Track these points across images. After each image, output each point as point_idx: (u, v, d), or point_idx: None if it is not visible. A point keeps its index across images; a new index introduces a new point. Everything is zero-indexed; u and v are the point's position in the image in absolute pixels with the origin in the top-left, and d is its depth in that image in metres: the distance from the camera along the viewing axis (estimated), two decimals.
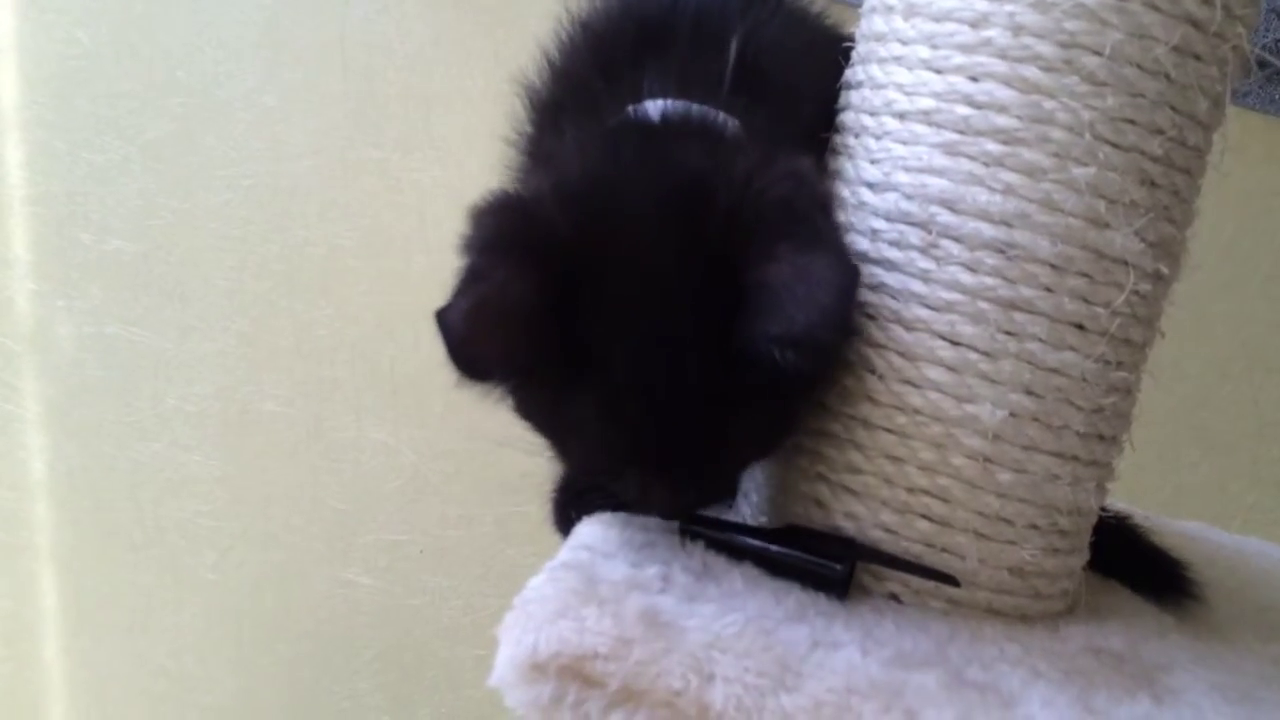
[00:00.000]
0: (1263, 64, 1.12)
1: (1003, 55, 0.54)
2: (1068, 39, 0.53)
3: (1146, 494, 0.97)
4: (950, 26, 0.55)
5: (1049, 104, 0.53)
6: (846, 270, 0.49)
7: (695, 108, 0.57)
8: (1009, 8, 0.53)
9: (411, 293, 1.35)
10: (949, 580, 0.55)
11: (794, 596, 0.54)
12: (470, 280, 0.50)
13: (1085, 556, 0.63)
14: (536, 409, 0.58)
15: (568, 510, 0.68)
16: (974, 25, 0.54)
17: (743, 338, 0.49)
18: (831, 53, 0.63)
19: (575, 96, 0.63)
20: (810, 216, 0.51)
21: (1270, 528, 0.97)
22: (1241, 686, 0.57)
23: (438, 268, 1.42)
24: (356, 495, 1.40)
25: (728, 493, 0.67)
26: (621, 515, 0.60)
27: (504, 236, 0.52)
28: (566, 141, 0.58)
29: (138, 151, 1.33)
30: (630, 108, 0.58)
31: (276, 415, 1.39)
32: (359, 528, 1.41)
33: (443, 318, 0.49)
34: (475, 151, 1.28)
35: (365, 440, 1.39)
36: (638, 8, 0.65)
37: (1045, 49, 0.53)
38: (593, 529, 0.59)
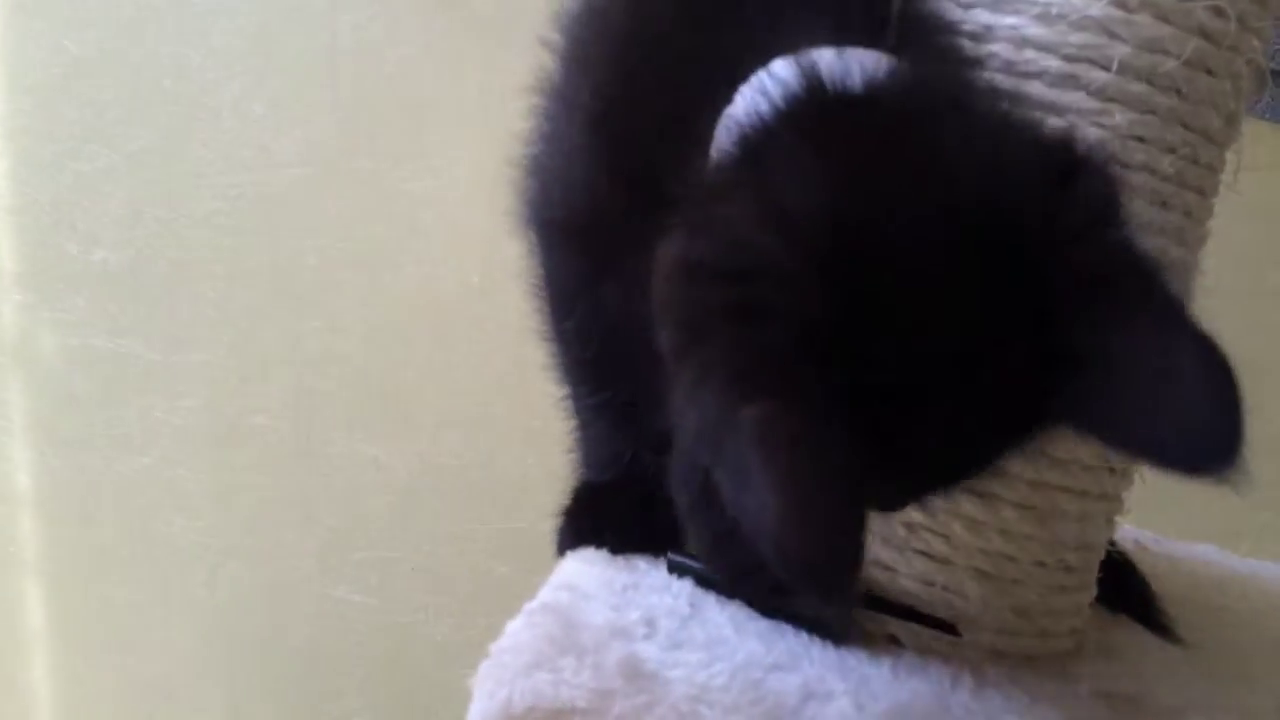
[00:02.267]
0: (1276, 74, 1.09)
1: (1007, 70, 0.51)
2: (1074, 53, 0.50)
3: (1155, 514, 0.94)
4: None
5: (1055, 122, 0.51)
6: (1223, 356, 0.38)
7: (899, 65, 0.44)
8: (1012, 20, 0.51)
9: (403, 305, 1.32)
10: (948, 629, 0.52)
11: (785, 641, 0.51)
12: (758, 452, 0.34)
13: (1093, 593, 0.60)
14: None
15: (582, 528, 0.62)
16: (977, 39, 0.52)
17: (1110, 433, 0.40)
18: None
19: (654, 59, 0.49)
20: (1156, 268, 0.40)
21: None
22: None
23: (429, 278, 1.39)
24: (347, 511, 1.37)
25: None
26: (605, 553, 0.58)
27: (764, 362, 0.36)
28: (761, 132, 0.42)
29: (124, 160, 1.31)
30: (812, 70, 0.43)
31: (266, 429, 1.36)
32: (350, 544, 1.38)
33: (760, 526, 0.34)
34: (467, 161, 1.26)
35: (356, 455, 1.36)
36: None
37: (1051, 63, 0.50)
38: (575, 566, 0.56)
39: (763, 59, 0.44)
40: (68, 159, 1.31)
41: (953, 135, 0.41)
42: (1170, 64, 0.50)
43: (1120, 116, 0.51)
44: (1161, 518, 0.94)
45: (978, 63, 0.50)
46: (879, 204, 0.39)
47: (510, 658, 0.45)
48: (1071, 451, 0.54)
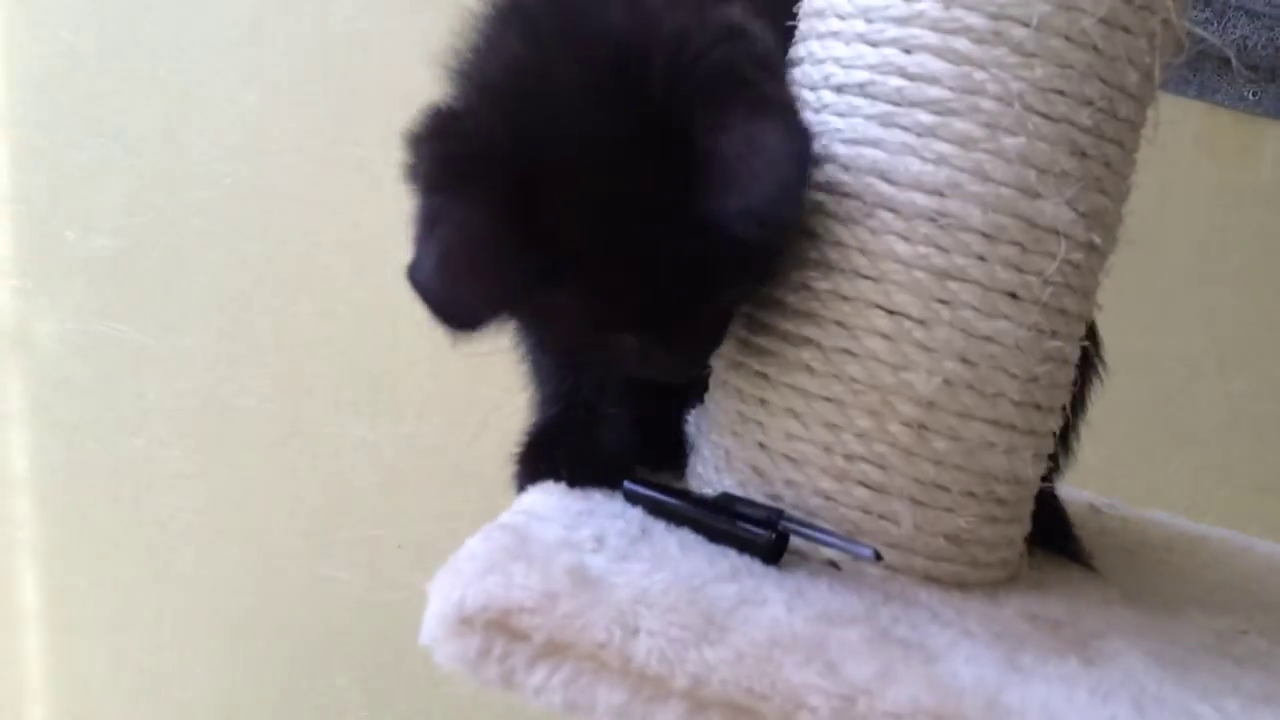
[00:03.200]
0: (1226, 60, 1.13)
1: (934, 27, 0.55)
2: (997, 10, 0.54)
3: (1118, 489, 0.98)
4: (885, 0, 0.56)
5: (979, 75, 0.54)
6: (799, 134, 0.50)
7: None
8: None
9: (390, 289, 1.35)
10: (872, 555, 0.55)
11: (729, 560, 0.55)
12: (428, 226, 0.51)
13: (1026, 527, 0.64)
14: (521, 314, 0.60)
15: (538, 465, 0.65)
16: None
17: (703, 210, 0.49)
18: None
19: None
20: (754, 79, 0.51)
21: (1241, 521, 0.97)
22: (1178, 655, 0.58)
23: None
24: (335, 491, 1.40)
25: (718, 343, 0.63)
26: (562, 485, 0.61)
27: (447, 165, 0.52)
28: (481, 33, 0.57)
29: (120, 149, 1.35)
30: None
31: (256, 411, 1.40)
32: (338, 523, 1.41)
33: (416, 278, 0.50)
34: None
35: (344, 435, 1.39)
36: None
37: (975, 20, 0.54)
38: (534, 496, 0.60)
39: None
40: (65, 148, 1.35)
41: (614, 14, 0.53)
42: (1087, 21, 0.54)
43: (1040, 70, 0.54)
44: (1128, 491, 0.97)
45: None
46: (544, 57, 0.53)
47: (465, 565, 0.48)
48: (999, 386, 0.57)
